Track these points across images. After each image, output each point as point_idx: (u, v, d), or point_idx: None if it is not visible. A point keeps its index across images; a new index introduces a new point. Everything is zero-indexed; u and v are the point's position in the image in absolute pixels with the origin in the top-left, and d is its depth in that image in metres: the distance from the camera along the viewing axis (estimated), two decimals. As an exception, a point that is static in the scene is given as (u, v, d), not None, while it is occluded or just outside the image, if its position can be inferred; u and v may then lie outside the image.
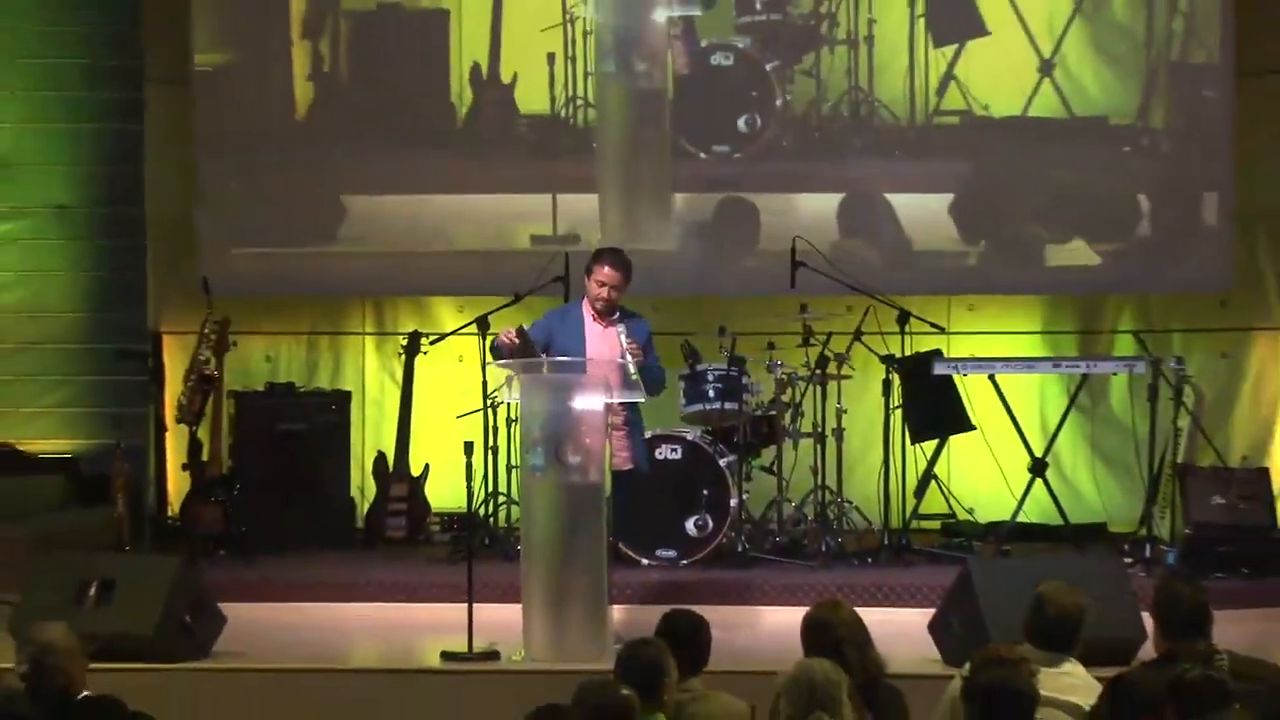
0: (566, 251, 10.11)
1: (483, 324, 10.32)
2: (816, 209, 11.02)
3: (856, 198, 11.04)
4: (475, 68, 11.14)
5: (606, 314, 8.99)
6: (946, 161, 10.93)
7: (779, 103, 11.05)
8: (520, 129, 11.13)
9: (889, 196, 10.99)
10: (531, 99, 11.12)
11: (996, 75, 10.93)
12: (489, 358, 9.72)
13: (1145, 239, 10.97)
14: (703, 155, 11.12)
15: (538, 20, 11.06)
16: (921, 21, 10.88)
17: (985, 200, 10.95)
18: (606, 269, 8.95)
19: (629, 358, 8.63)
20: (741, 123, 11.06)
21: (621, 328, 8.88)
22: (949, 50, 10.90)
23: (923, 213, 10.92)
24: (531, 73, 11.09)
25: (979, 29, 10.85)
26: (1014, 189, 10.95)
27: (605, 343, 8.90)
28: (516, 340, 8.73)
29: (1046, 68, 10.89)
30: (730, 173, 11.05)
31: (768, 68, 11.04)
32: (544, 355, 8.83)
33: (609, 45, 10.93)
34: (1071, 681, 6.13)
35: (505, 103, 11.09)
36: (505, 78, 11.10)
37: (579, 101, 11.18)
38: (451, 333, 11.11)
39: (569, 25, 11.03)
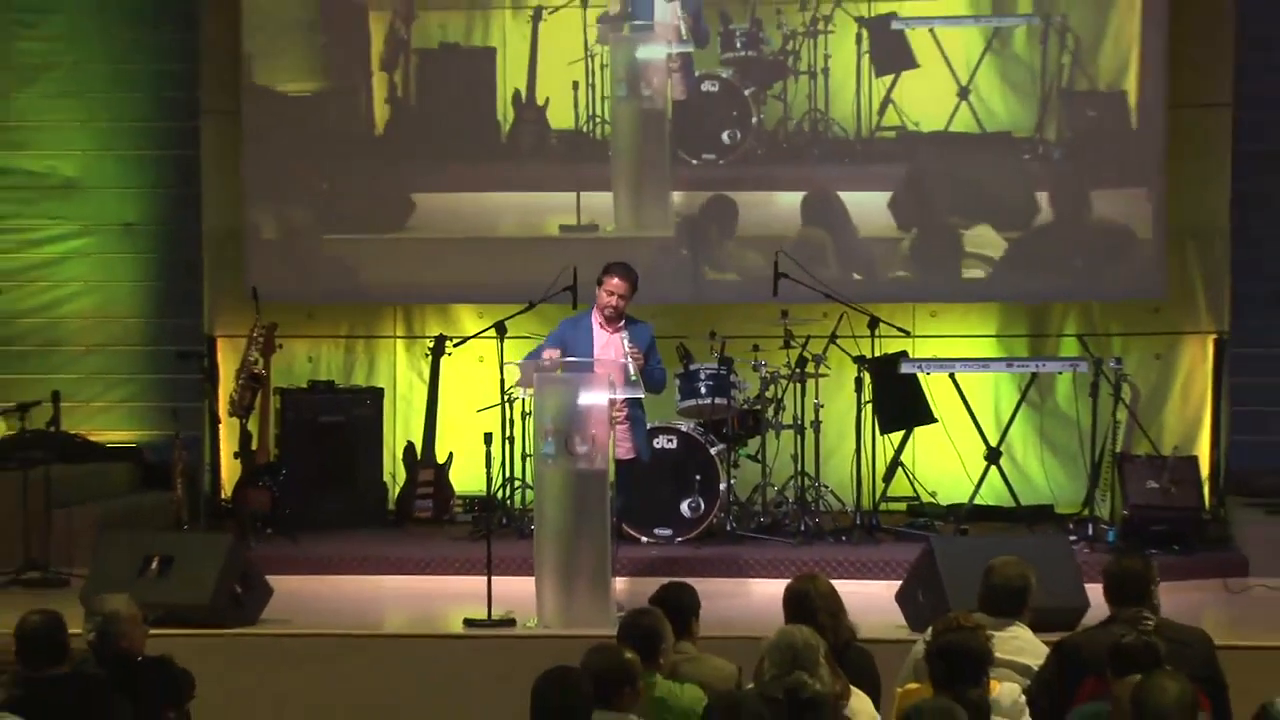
0: (575, 266, 10.16)
1: (500, 328, 10.32)
2: (784, 204, 11.51)
3: (815, 195, 11.50)
4: (516, 93, 11.64)
5: (614, 321, 8.99)
6: (886, 167, 11.44)
7: (754, 120, 11.50)
8: (551, 141, 11.69)
9: (841, 194, 11.48)
10: (560, 118, 11.63)
11: (924, 99, 11.39)
12: (508, 358, 9.76)
13: (1043, 226, 11.32)
14: (694, 162, 11.55)
15: (566, 56, 11.55)
16: (866, 57, 11.42)
17: (916, 197, 11.43)
18: (615, 279, 8.97)
19: (630, 361, 8.67)
20: (725, 136, 11.53)
21: (625, 334, 8.90)
22: (887, 79, 11.43)
23: (867, 207, 11.42)
24: (560, 97, 11.59)
25: (911, 63, 11.38)
26: (938, 188, 11.40)
27: (611, 347, 8.91)
28: (552, 358, 8.78)
29: (964, 93, 11.35)
30: (716, 175, 11.55)
31: (745, 93, 11.49)
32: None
33: (621, 76, 11.46)
34: (1020, 644, 6.14)
35: (539, 121, 11.67)
36: (540, 101, 11.65)
37: (598, 119, 11.62)
38: (472, 336, 11.10)
39: (590, 60, 11.56)
